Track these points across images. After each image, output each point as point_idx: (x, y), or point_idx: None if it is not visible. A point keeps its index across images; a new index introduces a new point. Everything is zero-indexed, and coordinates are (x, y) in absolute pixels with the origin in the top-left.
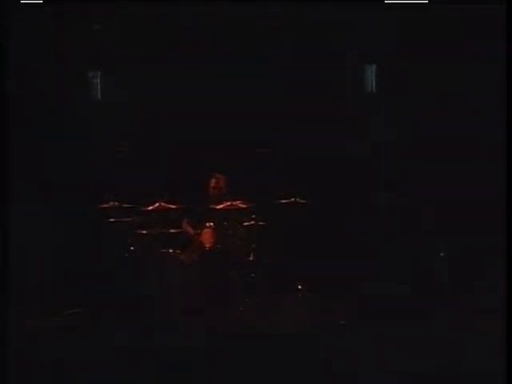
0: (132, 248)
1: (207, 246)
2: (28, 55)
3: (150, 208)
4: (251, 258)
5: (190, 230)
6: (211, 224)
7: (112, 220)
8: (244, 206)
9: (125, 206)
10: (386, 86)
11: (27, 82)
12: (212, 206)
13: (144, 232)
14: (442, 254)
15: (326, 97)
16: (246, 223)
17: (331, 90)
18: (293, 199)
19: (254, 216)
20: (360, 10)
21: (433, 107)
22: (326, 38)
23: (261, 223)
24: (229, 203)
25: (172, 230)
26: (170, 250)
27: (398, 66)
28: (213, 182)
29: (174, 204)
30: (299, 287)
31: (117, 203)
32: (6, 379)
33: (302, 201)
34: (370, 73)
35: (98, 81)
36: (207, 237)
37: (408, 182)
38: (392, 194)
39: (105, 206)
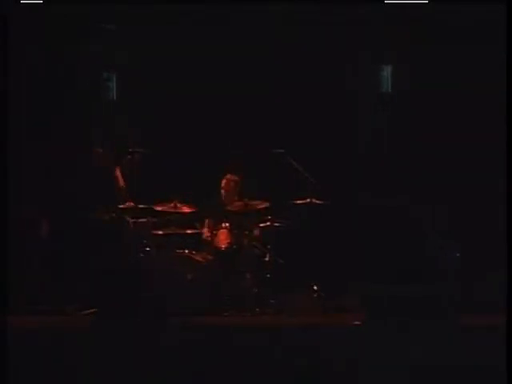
0: (147, 248)
1: (222, 246)
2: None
3: (166, 209)
4: (266, 259)
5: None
6: (227, 224)
7: (127, 220)
8: (260, 206)
9: (140, 206)
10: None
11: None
12: (228, 207)
13: (159, 232)
14: (457, 255)
15: (339, 97)
16: (261, 224)
17: (342, 91)
18: (308, 200)
19: (269, 217)
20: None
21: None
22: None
23: (276, 224)
24: (244, 203)
25: (188, 231)
26: (186, 251)
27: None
28: (229, 181)
29: (189, 205)
30: (314, 288)
31: (132, 203)
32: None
33: (318, 201)
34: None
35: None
36: (222, 237)
37: (423, 183)
38: (407, 195)
39: (120, 206)
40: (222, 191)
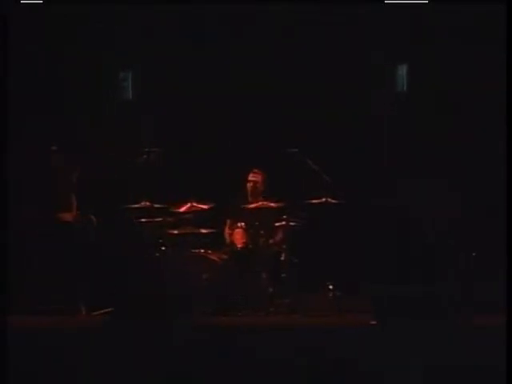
0: (163, 248)
1: (238, 245)
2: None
3: (182, 208)
4: (282, 258)
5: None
6: (242, 224)
7: (143, 220)
8: (275, 205)
9: (156, 205)
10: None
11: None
12: (243, 206)
13: (175, 232)
14: (473, 254)
15: (354, 97)
16: (277, 223)
17: (357, 90)
18: (324, 199)
19: (284, 216)
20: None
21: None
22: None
23: (292, 223)
24: (260, 203)
25: (203, 230)
26: (201, 250)
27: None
28: (248, 181)
29: (205, 204)
30: (330, 287)
31: (148, 203)
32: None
33: (333, 200)
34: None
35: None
36: (238, 237)
37: (438, 184)
38: (424, 195)
39: (136, 205)
40: (244, 190)
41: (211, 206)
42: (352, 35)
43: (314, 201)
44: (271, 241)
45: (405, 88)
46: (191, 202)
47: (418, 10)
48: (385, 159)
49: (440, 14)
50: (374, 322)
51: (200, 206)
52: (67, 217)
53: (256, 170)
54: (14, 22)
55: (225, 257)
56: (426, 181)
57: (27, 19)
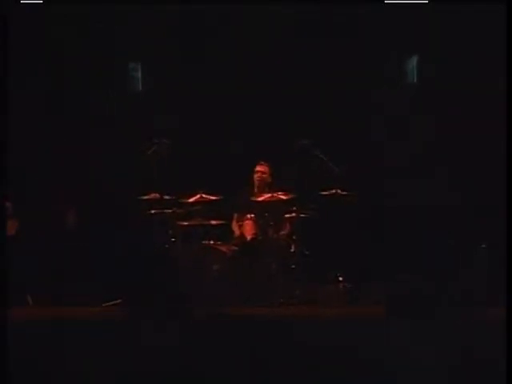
0: (173, 239)
1: (248, 237)
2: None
3: (191, 199)
4: (292, 250)
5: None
6: (252, 215)
7: (153, 211)
8: (285, 197)
9: (166, 197)
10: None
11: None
12: (253, 198)
13: (185, 223)
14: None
15: (365, 92)
16: (287, 215)
17: (369, 86)
18: (334, 191)
19: (294, 208)
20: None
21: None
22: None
23: (302, 215)
24: (270, 195)
25: (213, 222)
26: (211, 242)
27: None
28: (256, 172)
29: (214, 195)
30: (340, 279)
31: (158, 195)
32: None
33: (343, 192)
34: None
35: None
36: (248, 228)
37: (449, 177)
38: (433, 187)
39: (146, 197)
40: (253, 182)
41: (221, 197)
42: (352, 35)
43: (323, 192)
44: (281, 232)
45: (405, 87)
46: (201, 194)
47: (418, 9)
48: (392, 155)
49: (440, 14)
50: (383, 315)
51: (209, 197)
52: (74, 210)
53: (265, 162)
54: (14, 22)
55: (234, 248)
56: (436, 177)
57: (27, 19)
